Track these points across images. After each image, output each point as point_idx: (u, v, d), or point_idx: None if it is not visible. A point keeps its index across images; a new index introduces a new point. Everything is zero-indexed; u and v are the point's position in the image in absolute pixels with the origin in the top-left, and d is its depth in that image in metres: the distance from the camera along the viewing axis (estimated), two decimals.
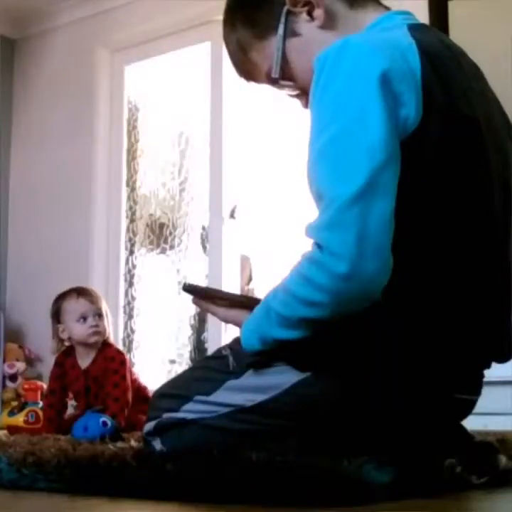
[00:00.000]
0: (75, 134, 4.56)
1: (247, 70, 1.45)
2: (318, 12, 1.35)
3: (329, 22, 1.36)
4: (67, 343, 2.66)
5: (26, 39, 4.89)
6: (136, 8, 4.38)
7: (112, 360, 2.55)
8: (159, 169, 4.46)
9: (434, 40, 1.29)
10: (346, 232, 1.11)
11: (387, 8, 1.40)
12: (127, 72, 4.57)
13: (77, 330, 2.59)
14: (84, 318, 2.58)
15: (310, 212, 1.20)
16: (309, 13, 1.36)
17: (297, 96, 1.44)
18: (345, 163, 1.14)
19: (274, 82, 1.40)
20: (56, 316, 2.69)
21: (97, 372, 2.56)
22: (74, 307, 2.62)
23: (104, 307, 2.68)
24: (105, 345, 2.60)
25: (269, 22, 1.38)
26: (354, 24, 1.35)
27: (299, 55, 1.37)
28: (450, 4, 3.31)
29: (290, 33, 1.37)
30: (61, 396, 2.62)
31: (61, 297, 2.71)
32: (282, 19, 1.36)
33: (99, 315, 2.61)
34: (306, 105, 1.41)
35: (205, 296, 1.43)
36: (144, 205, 4.49)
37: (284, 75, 1.39)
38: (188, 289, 1.42)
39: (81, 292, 2.67)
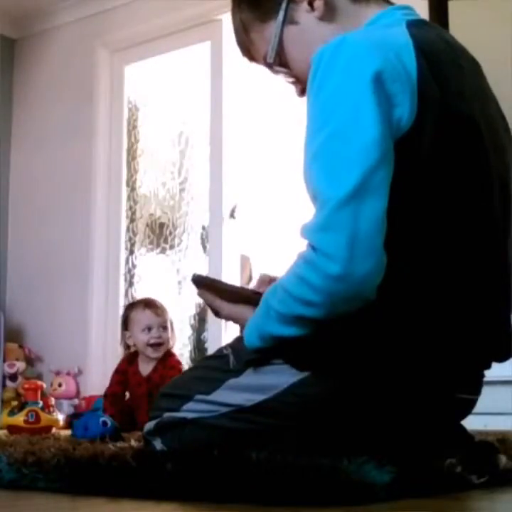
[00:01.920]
0: (75, 134, 4.56)
1: (249, 50, 1.46)
2: (318, 3, 1.36)
3: (329, 14, 1.36)
4: (133, 349, 2.83)
5: (26, 39, 4.89)
6: (136, 8, 4.38)
7: (171, 369, 2.69)
8: (159, 169, 4.47)
9: (432, 37, 1.29)
10: (338, 233, 1.12)
11: (389, 3, 1.40)
12: (127, 72, 4.57)
13: (141, 339, 2.75)
14: (149, 329, 2.74)
15: (309, 211, 1.21)
16: (310, 3, 1.36)
17: (293, 83, 1.44)
18: (338, 165, 1.15)
19: (269, 66, 1.41)
20: (124, 323, 2.87)
21: (158, 379, 2.68)
22: (140, 317, 2.79)
23: (169, 319, 2.85)
24: (167, 355, 2.75)
25: (272, 6, 1.38)
26: (354, 18, 1.35)
27: (294, 43, 1.38)
28: (450, 4, 3.31)
29: (289, 20, 1.37)
30: (122, 398, 2.79)
31: (130, 307, 2.91)
32: (283, 5, 1.37)
33: (164, 327, 2.78)
34: (300, 93, 1.42)
35: (212, 288, 1.43)
36: (144, 204, 4.49)
37: (279, 61, 1.39)
38: (197, 279, 1.42)
39: (148, 304, 2.84)
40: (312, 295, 1.16)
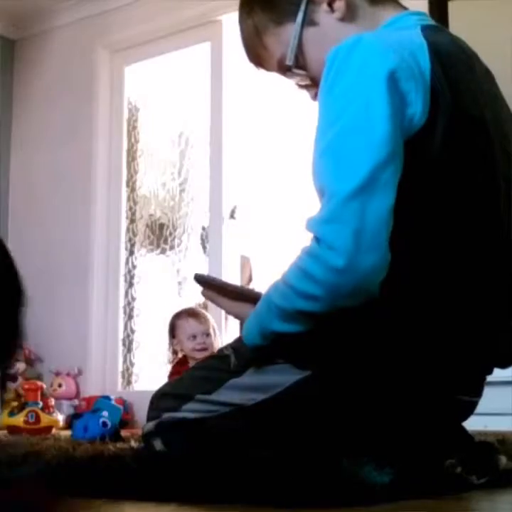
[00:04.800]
0: (75, 134, 4.56)
1: (259, 56, 1.44)
2: (339, 4, 1.35)
3: (349, 15, 1.35)
4: (180, 354, 3.11)
5: (26, 39, 4.89)
6: (136, 8, 4.38)
7: None
8: (159, 170, 4.47)
9: (446, 41, 1.30)
10: (344, 226, 1.12)
11: (404, 8, 1.41)
12: (127, 72, 4.57)
13: (187, 345, 3.05)
14: (194, 337, 3.04)
15: (310, 211, 1.21)
16: (330, 4, 1.36)
17: (306, 87, 1.43)
18: (347, 159, 1.15)
19: (286, 69, 1.40)
20: (171, 331, 3.15)
21: None
22: (185, 326, 3.09)
23: (212, 326, 3.15)
24: None
25: (289, 8, 1.37)
26: (372, 20, 1.35)
27: (314, 44, 1.37)
28: (450, 4, 3.31)
29: (308, 21, 1.36)
30: None
31: (176, 316, 3.18)
32: (302, 7, 1.36)
33: (207, 334, 3.08)
34: (314, 97, 1.41)
35: (213, 287, 1.46)
36: (144, 205, 4.49)
37: (296, 64, 1.39)
38: (199, 279, 1.46)
39: (191, 314, 3.15)
40: (314, 288, 1.16)
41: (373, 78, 1.17)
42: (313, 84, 1.41)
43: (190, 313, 3.15)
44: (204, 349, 3.02)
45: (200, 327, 3.07)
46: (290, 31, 1.37)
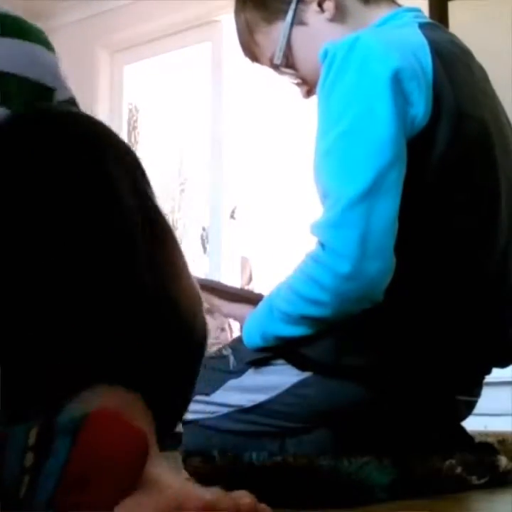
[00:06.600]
0: None
1: (252, 51, 1.44)
2: (328, 4, 1.35)
3: (339, 16, 1.35)
4: None
5: None
6: (136, 8, 4.38)
7: None
8: (159, 170, 4.47)
9: (445, 40, 1.29)
10: (350, 231, 1.11)
11: (399, 6, 1.40)
12: (127, 72, 4.57)
13: None
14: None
15: (310, 212, 1.20)
16: (320, 5, 1.35)
17: (298, 84, 1.43)
18: (351, 162, 1.14)
19: (275, 67, 1.40)
20: None
21: None
22: None
23: (227, 322, 3.26)
24: None
25: (279, 7, 1.37)
26: (364, 20, 1.35)
27: (303, 44, 1.37)
28: (450, 4, 3.31)
29: (298, 21, 1.36)
30: None
31: None
32: (292, 6, 1.36)
33: (222, 329, 3.22)
34: (306, 94, 1.41)
35: (211, 290, 1.45)
36: None
37: (286, 62, 1.38)
38: None
39: (206, 310, 3.26)
40: (320, 294, 1.15)
41: (376, 78, 1.16)
42: (303, 83, 1.41)
43: (206, 309, 3.29)
44: (218, 344, 3.12)
45: (214, 322, 3.21)
46: (280, 30, 1.37)
